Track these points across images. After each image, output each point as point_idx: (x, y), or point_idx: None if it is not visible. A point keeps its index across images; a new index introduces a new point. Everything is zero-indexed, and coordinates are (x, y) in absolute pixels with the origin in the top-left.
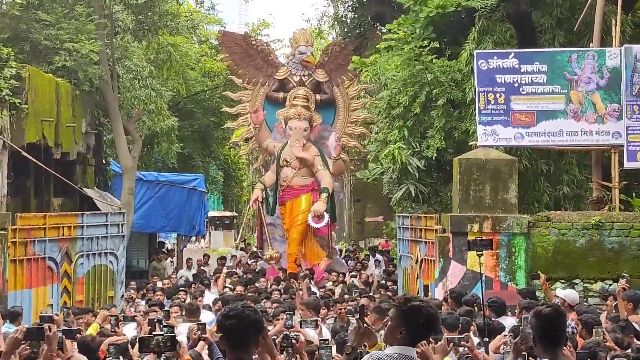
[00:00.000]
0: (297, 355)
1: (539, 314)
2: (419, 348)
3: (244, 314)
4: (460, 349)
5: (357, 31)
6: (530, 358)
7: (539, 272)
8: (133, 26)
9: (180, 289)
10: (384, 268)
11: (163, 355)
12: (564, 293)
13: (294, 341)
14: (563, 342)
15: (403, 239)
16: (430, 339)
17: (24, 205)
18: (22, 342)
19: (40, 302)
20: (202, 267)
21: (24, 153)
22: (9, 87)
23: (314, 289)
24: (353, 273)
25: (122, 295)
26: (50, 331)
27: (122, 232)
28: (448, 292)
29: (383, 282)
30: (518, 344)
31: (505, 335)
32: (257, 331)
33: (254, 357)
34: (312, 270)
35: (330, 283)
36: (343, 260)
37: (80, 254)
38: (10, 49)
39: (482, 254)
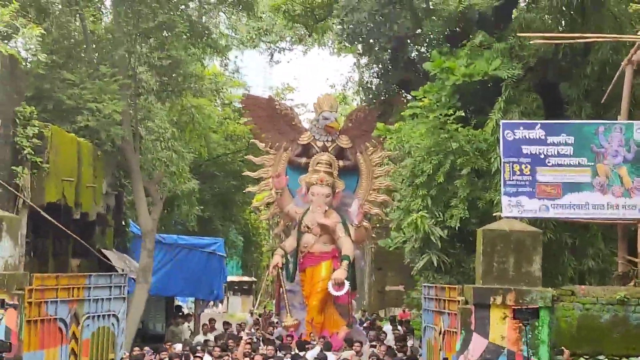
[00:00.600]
0: None
1: None
2: None
3: None
4: None
5: (382, 97)
6: None
7: (562, 347)
8: (157, 87)
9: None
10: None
11: None
12: None
13: None
14: None
15: (428, 310)
16: None
17: (42, 266)
18: None
19: None
20: (208, 333)
21: (43, 213)
22: (31, 146)
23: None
24: (373, 343)
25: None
26: None
27: (123, 294)
28: None
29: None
30: None
31: None
32: None
33: None
34: (328, 343)
35: (354, 353)
36: (362, 330)
37: (86, 315)
38: (34, 108)
39: (528, 324)
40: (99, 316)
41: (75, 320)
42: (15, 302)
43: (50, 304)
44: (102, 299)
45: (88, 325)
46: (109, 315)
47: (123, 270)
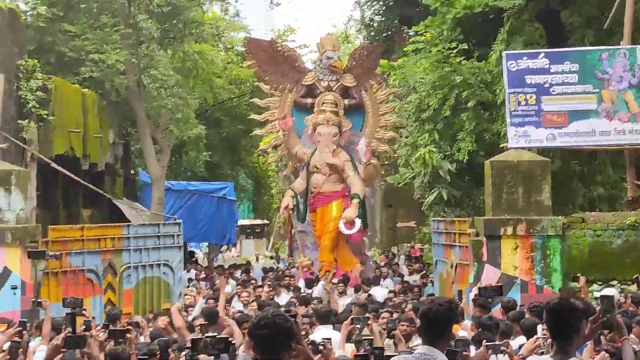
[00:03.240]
0: None
1: (547, 306)
2: None
3: (274, 322)
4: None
5: (384, 34)
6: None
7: (578, 274)
8: (158, 35)
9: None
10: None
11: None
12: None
13: (321, 347)
14: (569, 336)
15: (438, 244)
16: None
17: (53, 217)
18: (63, 349)
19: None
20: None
21: (53, 164)
22: (35, 99)
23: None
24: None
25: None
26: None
27: (178, 242)
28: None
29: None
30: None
31: (538, 338)
32: (289, 338)
33: None
34: (346, 277)
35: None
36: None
37: (126, 265)
38: (36, 61)
39: (492, 302)
40: (144, 266)
41: (111, 270)
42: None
43: (74, 255)
44: (148, 249)
45: (129, 275)
46: (159, 264)
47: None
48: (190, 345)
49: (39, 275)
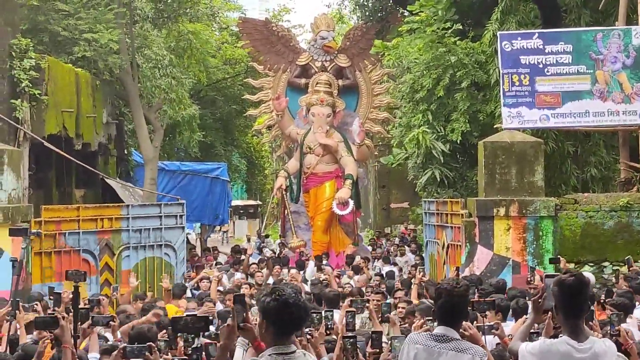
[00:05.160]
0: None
1: (561, 282)
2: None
3: (299, 301)
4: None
5: (379, 15)
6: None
7: (559, 256)
8: (152, 14)
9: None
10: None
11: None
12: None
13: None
14: (584, 312)
15: (429, 224)
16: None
17: (46, 198)
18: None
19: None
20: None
21: (46, 143)
22: (28, 79)
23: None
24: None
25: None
26: (63, 320)
27: (180, 223)
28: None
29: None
30: (537, 302)
31: (527, 318)
32: (307, 320)
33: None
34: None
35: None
36: (369, 247)
37: (125, 246)
38: (29, 40)
39: (485, 315)
40: (144, 247)
41: (108, 250)
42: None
43: (70, 235)
44: (149, 229)
45: (128, 255)
46: (160, 245)
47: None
48: (170, 324)
49: (22, 254)
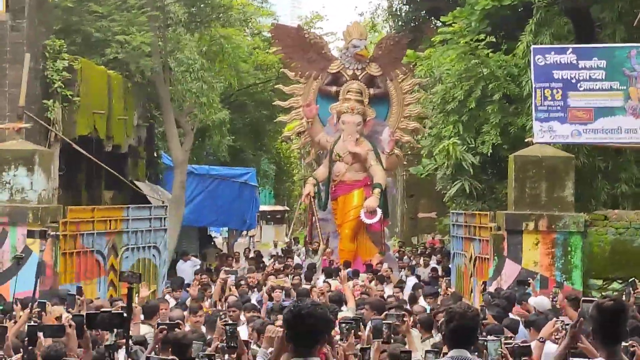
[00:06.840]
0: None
1: (601, 306)
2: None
3: (315, 312)
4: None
5: (412, 24)
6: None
7: (528, 278)
8: (185, 18)
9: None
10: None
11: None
12: (534, 301)
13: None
14: (623, 337)
15: (457, 236)
16: None
17: (75, 199)
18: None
19: (89, 296)
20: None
21: (75, 146)
22: (61, 79)
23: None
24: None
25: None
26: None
27: (164, 225)
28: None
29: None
30: (574, 329)
31: (557, 321)
32: (328, 330)
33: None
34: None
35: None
36: (396, 256)
37: (125, 247)
38: (63, 41)
39: (498, 341)
40: (138, 248)
41: (113, 252)
42: (57, 232)
43: (87, 236)
44: (142, 231)
45: (127, 257)
46: (149, 247)
47: (163, 202)
48: (85, 320)
49: (39, 256)
